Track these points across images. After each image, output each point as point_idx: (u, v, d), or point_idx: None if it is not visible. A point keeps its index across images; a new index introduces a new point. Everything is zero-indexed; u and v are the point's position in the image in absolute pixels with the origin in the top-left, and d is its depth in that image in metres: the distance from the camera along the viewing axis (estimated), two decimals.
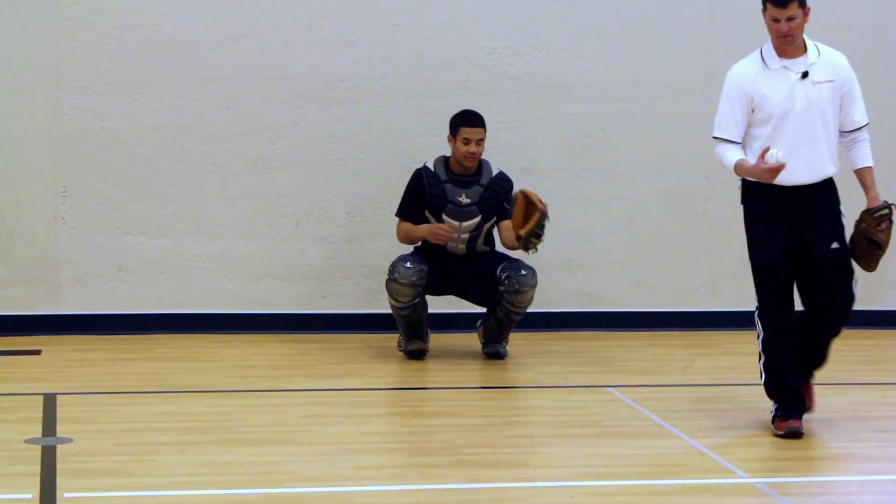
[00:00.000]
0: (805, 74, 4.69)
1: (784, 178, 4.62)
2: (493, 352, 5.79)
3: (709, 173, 6.62)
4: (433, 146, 6.40)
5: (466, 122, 5.68)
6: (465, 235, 5.67)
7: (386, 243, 6.45)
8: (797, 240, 4.73)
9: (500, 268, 5.65)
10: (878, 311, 6.83)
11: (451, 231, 5.60)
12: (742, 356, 5.97)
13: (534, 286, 5.63)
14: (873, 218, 4.67)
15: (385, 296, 6.42)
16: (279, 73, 6.32)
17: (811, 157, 4.68)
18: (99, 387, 5.26)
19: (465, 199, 5.68)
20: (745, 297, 6.68)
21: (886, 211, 4.67)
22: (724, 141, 4.73)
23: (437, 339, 5.93)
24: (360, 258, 6.47)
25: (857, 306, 6.66)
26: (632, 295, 6.68)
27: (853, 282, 4.84)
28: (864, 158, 4.79)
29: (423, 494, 3.82)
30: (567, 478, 4.01)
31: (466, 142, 5.64)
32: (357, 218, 6.45)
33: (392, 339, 6.23)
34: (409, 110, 6.41)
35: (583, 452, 4.32)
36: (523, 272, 5.62)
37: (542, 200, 5.46)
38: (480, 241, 5.73)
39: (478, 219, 5.67)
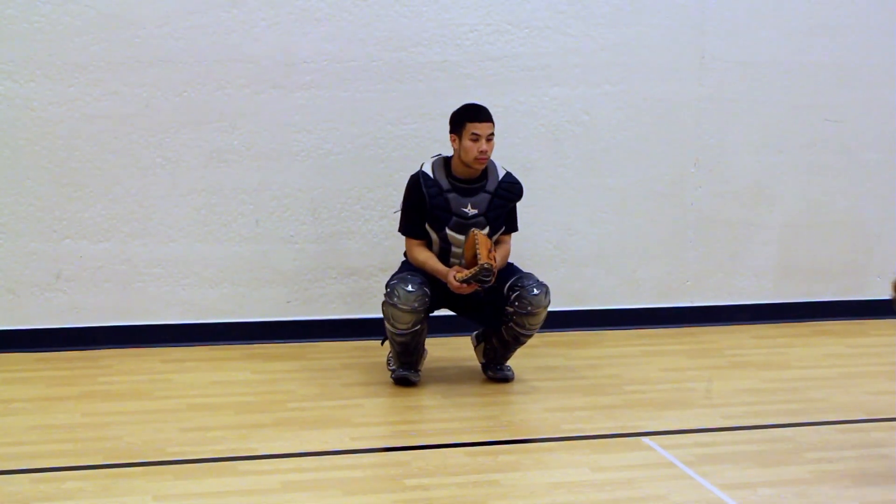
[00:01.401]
0: None
1: None
2: (503, 377, 5.25)
3: (698, 160, 6.25)
4: (406, 134, 5.86)
5: (473, 116, 4.98)
6: None
7: (357, 242, 5.90)
8: None
9: (508, 285, 5.03)
10: (862, 301, 6.63)
11: (475, 288, 4.93)
12: (752, 367, 5.65)
13: (546, 306, 5.02)
14: None
15: (360, 301, 5.94)
16: (235, 55, 5.63)
17: None
18: (18, 458, 4.25)
19: (471, 210, 5.03)
20: (732, 291, 6.43)
21: None
22: None
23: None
24: (329, 259, 5.88)
25: (842, 296, 6.58)
26: (617, 291, 6.28)
27: None
28: None
29: None
30: None
31: (475, 138, 4.96)
32: (324, 215, 5.85)
33: (365, 346, 5.75)
34: (379, 95, 5.80)
35: None
36: (535, 291, 4.99)
37: (492, 251, 4.92)
38: None
39: (486, 231, 5.04)
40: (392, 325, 4.98)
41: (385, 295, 5.00)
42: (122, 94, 5.54)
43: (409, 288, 4.93)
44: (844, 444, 4.61)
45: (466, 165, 5.03)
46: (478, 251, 4.87)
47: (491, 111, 5.16)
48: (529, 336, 5.12)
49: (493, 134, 5.02)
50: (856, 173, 6.46)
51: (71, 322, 5.64)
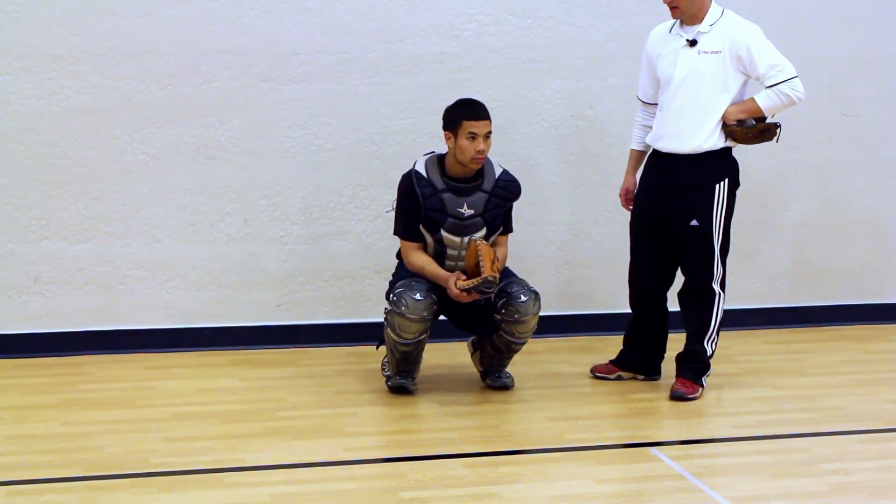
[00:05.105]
0: (693, 43, 5.07)
1: (660, 146, 5.14)
2: (501, 385, 5.26)
3: None
4: (402, 130, 5.89)
5: (470, 113, 4.97)
6: None
7: (350, 243, 5.93)
8: (663, 210, 5.18)
9: (497, 290, 5.00)
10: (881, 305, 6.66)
11: (476, 297, 4.95)
12: (765, 374, 5.68)
13: (536, 313, 5.02)
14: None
15: (353, 305, 5.97)
16: (222, 46, 5.66)
17: (686, 127, 5.05)
18: None
19: (467, 210, 5.04)
20: (744, 294, 6.46)
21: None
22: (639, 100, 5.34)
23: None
24: (321, 261, 5.91)
25: (860, 300, 6.60)
26: (623, 294, 6.27)
27: (714, 266, 5.16)
28: (758, 95, 5.13)
29: None
30: None
31: (472, 137, 4.95)
32: (316, 214, 5.88)
33: (358, 352, 5.77)
34: (374, 88, 5.84)
35: None
36: (522, 298, 4.99)
37: (495, 261, 4.91)
38: None
39: (482, 232, 5.06)
40: (397, 335, 4.98)
41: (391, 304, 4.98)
42: (103, 87, 5.57)
43: (418, 296, 4.93)
44: (863, 456, 4.63)
45: (462, 165, 5.04)
46: (481, 262, 4.88)
47: (491, 106, 5.19)
48: (522, 344, 5.14)
49: (490, 132, 5.03)
50: (874, 170, 6.49)
51: (49, 327, 5.66)
